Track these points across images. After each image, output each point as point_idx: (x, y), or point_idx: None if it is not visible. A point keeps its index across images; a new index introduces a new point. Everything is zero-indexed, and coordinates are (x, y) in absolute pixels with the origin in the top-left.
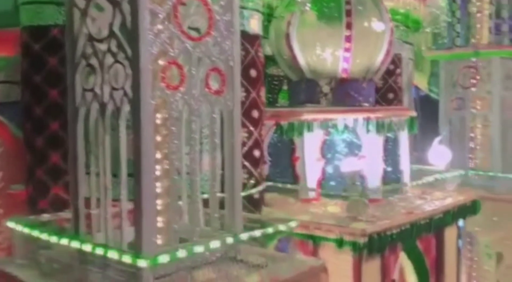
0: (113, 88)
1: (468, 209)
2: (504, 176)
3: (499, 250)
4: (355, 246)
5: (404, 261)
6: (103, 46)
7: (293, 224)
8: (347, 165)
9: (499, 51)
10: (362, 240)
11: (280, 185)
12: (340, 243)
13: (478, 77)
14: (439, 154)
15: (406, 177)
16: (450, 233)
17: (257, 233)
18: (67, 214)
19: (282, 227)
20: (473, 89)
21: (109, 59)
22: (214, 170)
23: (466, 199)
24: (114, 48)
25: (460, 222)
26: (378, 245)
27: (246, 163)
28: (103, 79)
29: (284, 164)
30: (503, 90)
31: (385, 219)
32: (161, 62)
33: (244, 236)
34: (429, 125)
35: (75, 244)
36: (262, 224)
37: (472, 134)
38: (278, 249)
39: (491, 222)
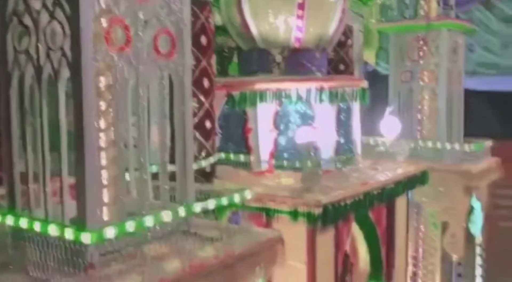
0: (50, 49)
1: (417, 180)
2: (450, 147)
3: (444, 219)
4: (309, 217)
5: (356, 232)
6: (37, 3)
7: (247, 194)
8: (301, 136)
9: (450, 23)
10: (316, 211)
11: (232, 157)
12: (294, 214)
13: (425, 48)
14: (389, 124)
15: (358, 148)
16: (400, 203)
17: (211, 204)
18: (1, 190)
19: (236, 198)
20: (421, 62)
21: (44, 17)
22: (163, 140)
23: (416, 169)
24: (50, 5)
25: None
26: (332, 216)
27: (197, 135)
28: (38, 39)
29: (236, 135)
30: (450, 62)
31: (339, 190)
32: (104, 22)
33: (197, 207)
34: (377, 101)
35: (10, 220)
36: (216, 195)
37: (419, 107)
38: (231, 223)
39: (437, 192)
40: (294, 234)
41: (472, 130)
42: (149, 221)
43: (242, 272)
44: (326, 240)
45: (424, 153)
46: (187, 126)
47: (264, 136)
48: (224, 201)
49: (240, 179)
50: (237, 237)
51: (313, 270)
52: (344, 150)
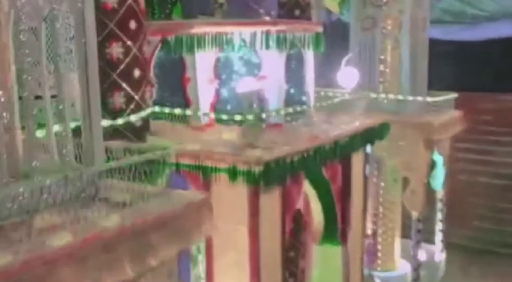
0: None
1: (376, 133)
2: (412, 99)
3: (405, 174)
4: (249, 176)
5: (308, 190)
6: None
7: (169, 151)
8: (243, 85)
9: None
10: (257, 169)
11: (168, 111)
12: (233, 173)
13: None
14: (346, 75)
15: (311, 100)
16: (357, 159)
17: (120, 163)
18: None
19: (153, 155)
20: (384, 8)
21: None
22: (61, 89)
23: (374, 122)
24: None
25: (368, 148)
26: (276, 174)
27: (124, 85)
28: None
29: (174, 86)
30: (414, 9)
31: (286, 145)
32: None
33: (100, 167)
34: (341, 52)
35: None
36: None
37: (382, 57)
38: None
39: (397, 147)
40: (235, 195)
41: (436, 82)
42: (41, 185)
43: (157, 242)
44: (270, 200)
45: (385, 106)
46: (90, 72)
47: (204, 87)
48: (135, 159)
49: (177, 135)
50: (152, 202)
51: (255, 232)
52: (295, 102)
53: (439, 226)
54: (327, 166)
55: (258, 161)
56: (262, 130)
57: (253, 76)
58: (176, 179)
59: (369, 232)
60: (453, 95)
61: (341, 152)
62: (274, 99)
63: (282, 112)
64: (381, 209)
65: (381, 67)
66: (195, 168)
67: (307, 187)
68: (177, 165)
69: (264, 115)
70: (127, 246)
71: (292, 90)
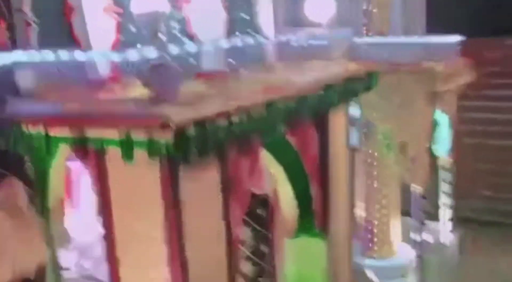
0: None
1: (360, 84)
2: (406, 41)
3: (401, 139)
4: (152, 149)
5: (271, 165)
6: None
7: None
8: (141, 3)
9: None
10: (162, 138)
11: (52, 58)
12: (127, 146)
13: None
14: (318, 5)
15: (270, 37)
16: (336, 121)
17: None
18: None
19: None
20: None
21: None
22: None
23: (357, 69)
24: None
25: (353, 109)
26: (200, 145)
27: None
28: None
29: (56, 22)
30: None
31: (221, 100)
32: None
33: None
34: None
35: None
36: None
37: None
38: None
39: (390, 104)
40: (139, 179)
41: (435, 28)
42: None
43: None
44: (200, 184)
45: (372, 51)
46: None
47: (97, 18)
48: None
49: (64, 94)
50: None
51: (177, 239)
52: (245, 40)
53: (444, 200)
54: (294, 131)
55: (164, 124)
56: (179, 75)
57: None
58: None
59: (360, 213)
60: (457, 38)
61: (311, 109)
62: (207, 33)
63: (223, 53)
64: (374, 184)
65: (366, 5)
66: (76, 142)
67: (268, 162)
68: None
69: (191, 57)
70: None
71: (238, 21)
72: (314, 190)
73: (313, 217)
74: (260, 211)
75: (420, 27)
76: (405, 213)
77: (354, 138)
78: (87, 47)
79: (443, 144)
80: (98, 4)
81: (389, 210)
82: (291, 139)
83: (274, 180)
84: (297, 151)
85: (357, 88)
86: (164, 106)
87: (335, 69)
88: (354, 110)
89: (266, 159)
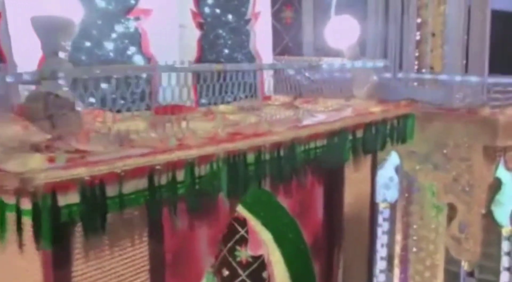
0: None
1: (388, 132)
2: (462, 80)
3: (450, 200)
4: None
5: (259, 230)
6: None
7: None
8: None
9: None
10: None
11: None
12: None
13: None
14: (339, 27)
15: (263, 68)
16: (355, 176)
17: None
18: None
19: None
20: None
21: None
22: None
23: (386, 110)
24: None
25: (394, 156)
26: (87, 216)
27: None
28: None
29: None
30: None
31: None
32: None
33: None
34: None
35: None
36: None
37: (419, 20)
38: None
39: (440, 156)
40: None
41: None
42: None
43: None
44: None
45: (417, 91)
46: None
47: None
48: None
49: None
50: None
51: None
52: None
53: (506, 277)
54: (287, 190)
55: (14, 183)
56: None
57: (126, 9)
58: None
59: None
60: None
61: (313, 162)
62: (167, 55)
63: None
64: (414, 250)
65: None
66: None
67: (254, 224)
68: None
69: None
70: None
71: (216, 43)
72: (317, 268)
73: None
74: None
75: (480, 61)
76: None
77: (395, 192)
78: (11, 64)
79: (506, 208)
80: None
81: None
82: (285, 202)
83: (266, 246)
84: (293, 216)
85: (383, 138)
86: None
87: (354, 110)
88: (392, 157)
89: (251, 221)
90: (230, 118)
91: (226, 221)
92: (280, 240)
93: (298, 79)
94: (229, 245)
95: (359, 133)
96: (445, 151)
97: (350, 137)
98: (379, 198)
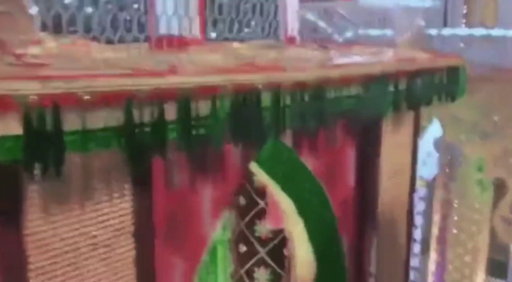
0: None
1: (436, 85)
2: None
3: (499, 175)
4: None
5: (278, 196)
6: None
7: None
8: None
9: None
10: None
11: None
12: None
13: None
14: None
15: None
16: (394, 136)
17: None
18: None
19: None
20: None
21: None
22: None
23: (433, 61)
24: None
25: (435, 125)
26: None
27: None
28: None
29: None
30: None
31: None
32: None
33: None
34: None
35: None
36: None
37: None
38: None
39: (489, 124)
40: None
41: None
42: None
43: None
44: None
45: (464, 49)
46: None
47: None
48: None
49: None
50: None
51: None
52: None
53: None
54: (314, 147)
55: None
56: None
57: None
58: None
59: (432, 267)
60: None
61: (347, 113)
62: None
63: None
64: (454, 231)
65: None
66: None
67: (273, 189)
68: None
69: None
70: None
71: None
72: (346, 242)
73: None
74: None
75: None
76: (494, 271)
77: (433, 168)
78: None
79: None
80: None
81: (471, 268)
82: (309, 162)
83: (286, 218)
84: (319, 180)
85: (430, 91)
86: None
87: (396, 56)
88: (433, 128)
89: (268, 184)
90: (245, 53)
91: (236, 179)
92: (303, 210)
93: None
94: (247, 219)
95: (402, 84)
96: (495, 118)
97: (392, 87)
98: None
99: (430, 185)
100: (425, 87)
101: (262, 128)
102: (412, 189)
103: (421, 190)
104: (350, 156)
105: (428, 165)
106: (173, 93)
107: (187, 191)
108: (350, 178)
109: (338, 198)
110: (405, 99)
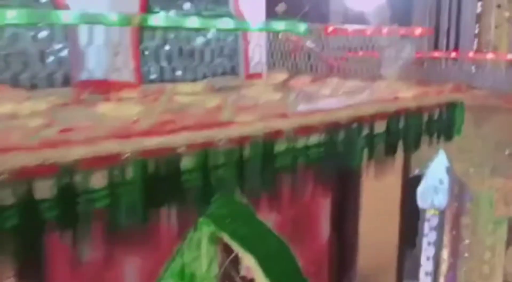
0: None
1: (432, 123)
2: None
3: (511, 213)
4: None
5: (241, 253)
6: None
7: None
8: None
9: None
10: None
11: None
12: None
13: None
14: None
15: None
16: (377, 185)
17: None
18: None
19: None
20: None
21: None
22: None
23: (425, 95)
24: None
25: (442, 156)
26: None
27: None
28: None
29: None
30: None
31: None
32: None
33: None
34: None
35: None
36: None
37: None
38: None
39: (500, 156)
40: None
41: None
42: None
43: None
44: None
45: (473, 74)
46: None
47: None
48: None
49: None
50: None
51: None
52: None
53: None
54: (276, 200)
55: None
56: None
57: None
58: None
59: None
60: None
61: (317, 161)
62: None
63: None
64: (463, 269)
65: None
66: None
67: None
68: None
69: None
70: None
71: None
72: None
73: None
74: None
75: None
76: None
77: (445, 196)
78: None
79: None
80: None
81: None
82: (270, 217)
83: (254, 272)
84: (283, 237)
85: (416, 133)
86: None
87: (375, 95)
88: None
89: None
90: (180, 101)
91: (170, 249)
92: (266, 267)
93: (304, 52)
94: (226, 264)
95: (380, 127)
96: (507, 152)
97: (366, 131)
98: (425, 204)
99: (443, 214)
100: (409, 129)
101: (182, 195)
102: (402, 240)
103: (433, 219)
104: (323, 208)
105: (441, 193)
106: (52, 169)
107: (100, 269)
108: (324, 232)
109: (310, 255)
110: (384, 143)
